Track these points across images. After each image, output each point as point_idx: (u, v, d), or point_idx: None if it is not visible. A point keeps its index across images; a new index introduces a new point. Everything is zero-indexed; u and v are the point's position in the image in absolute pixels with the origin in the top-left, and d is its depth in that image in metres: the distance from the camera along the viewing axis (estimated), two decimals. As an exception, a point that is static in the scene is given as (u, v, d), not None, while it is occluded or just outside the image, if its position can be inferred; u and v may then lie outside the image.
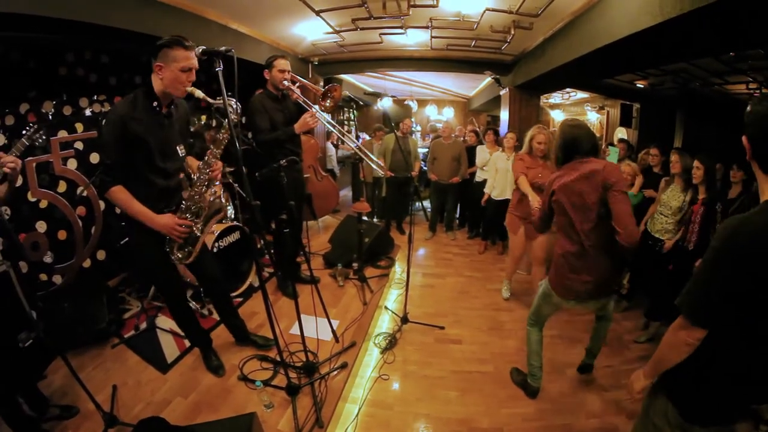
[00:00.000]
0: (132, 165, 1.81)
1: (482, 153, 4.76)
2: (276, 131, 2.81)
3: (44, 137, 2.70)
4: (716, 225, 2.53)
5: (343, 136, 3.48)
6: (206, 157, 1.96)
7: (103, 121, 1.82)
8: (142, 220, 1.85)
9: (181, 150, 2.01)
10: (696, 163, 2.62)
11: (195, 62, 1.76)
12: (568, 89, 7.77)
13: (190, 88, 1.81)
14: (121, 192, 1.81)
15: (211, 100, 1.87)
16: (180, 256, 2.02)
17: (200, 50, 1.59)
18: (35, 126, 1.96)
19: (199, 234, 2.01)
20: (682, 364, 1.08)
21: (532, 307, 2.32)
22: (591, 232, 1.86)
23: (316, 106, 2.81)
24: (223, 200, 2.02)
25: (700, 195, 2.65)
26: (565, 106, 9.72)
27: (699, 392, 1.07)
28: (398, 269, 4.06)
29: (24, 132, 2.11)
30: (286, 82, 2.79)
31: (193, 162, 2.16)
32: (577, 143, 1.89)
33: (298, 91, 2.82)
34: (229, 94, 1.80)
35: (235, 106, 1.85)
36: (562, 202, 1.90)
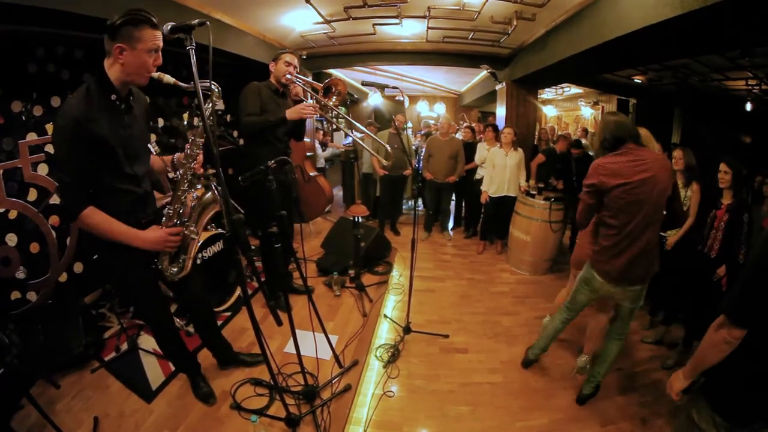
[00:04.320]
0: (97, 177, 1.52)
1: (483, 150, 4.63)
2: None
3: None
4: (742, 234, 2.43)
5: (353, 132, 3.17)
6: (187, 150, 1.71)
7: (54, 127, 1.49)
8: (126, 241, 1.58)
9: (153, 148, 1.76)
10: (723, 167, 2.48)
11: (161, 41, 1.49)
12: (562, 84, 7.68)
13: (156, 74, 1.53)
14: (95, 214, 1.49)
15: (183, 85, 1.58)
16: (174, 270, 1.78)
17: (169, 28, 1.32)
18: None
19: (194, 237, 1.76)
20: (723, 371, 1.14)
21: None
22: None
23: (311, 100, 2.62)
24: (217, 193, 1.77)
25: (725, 200, 2.52)
26: (558, 102, 9.67)
27: (741, 398, 1.12)
28: (395, 273, 3.91)
29: None
30: (289, 76, 2.60)
31: (155, 159, 1.88)
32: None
33: (300, 82, 2.62)
34: (211, 83, 1.57)
35: (215, 88, 1.60)
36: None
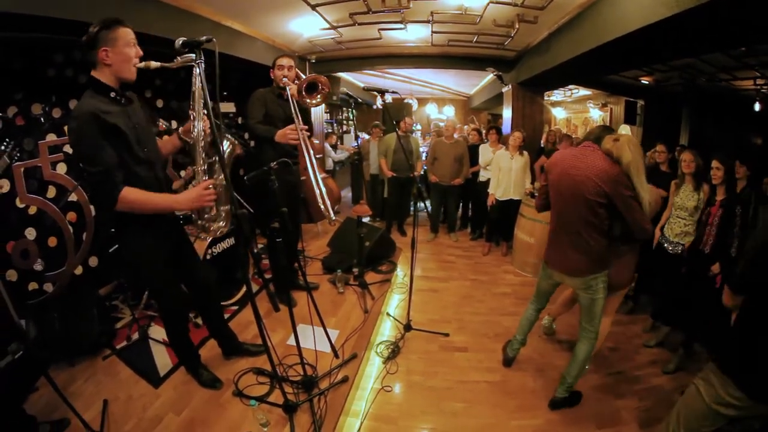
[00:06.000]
0: (120, 163, 1.64)
1: (486, 152, 4.66)
2: (269, 125, 2.72)
3: (19, 153, 2.60)
4: (736, 228, 2.41)
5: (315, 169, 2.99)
6: (192, 115, 1.81)
7: (71, 130, 1.58)
8: (167, 208, 1.72)
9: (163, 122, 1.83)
10: (715, 164, 2.49)
11: (134, 35, 1.65)
12: (570, 86, 7.65)
13: (142, 63, 1.67)
14: (131, 193, 1.61)
15: (168, 64, 1.69)
16: (221, 224, 1.89)
17: (181, 42, 1.47)
18: (12, 142, 1.82)
19: (225, 182, 1.82)
20: (736, 345, 1.31)
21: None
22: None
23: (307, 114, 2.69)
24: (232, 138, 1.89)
25: (718, 196, 2.53)
26: (567, 104, 9.61)
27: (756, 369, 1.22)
28: (400, 273, 3.96)
29: (2, 149, 1.99)
30: (285, 79, 2.68)
31: (164, 142, 2.02)
32: None
33: (293, 89, 2.68)
34: (224, 93, 1.69)
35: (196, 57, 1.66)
36: None
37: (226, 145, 1.86)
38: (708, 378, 1.35)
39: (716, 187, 2.54)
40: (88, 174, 1.58)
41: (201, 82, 1.42)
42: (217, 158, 1.84)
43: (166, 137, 2.07)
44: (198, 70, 1.70)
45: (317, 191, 2.57)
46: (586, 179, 1.86)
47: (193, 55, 1.63)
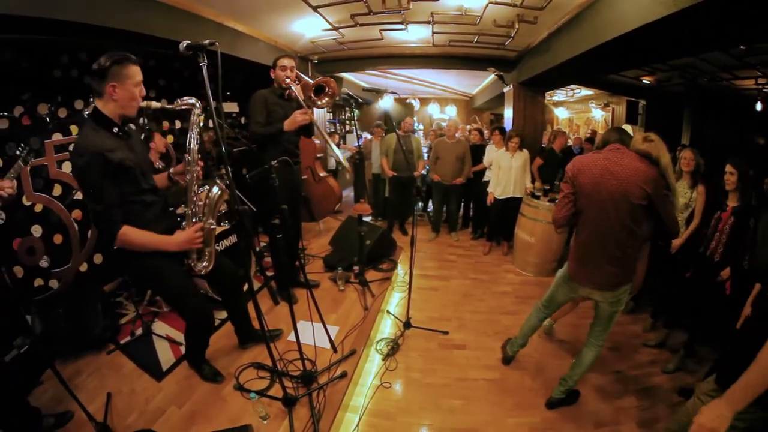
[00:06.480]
0: (125, 197, 1.70)
1: (491, 152, 4.67)
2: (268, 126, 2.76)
3: (32, 158, 2.61)
4: (747, 239, 2.31)
5: (330, 142, 3.14)
6: (187, 158, 1.89)
7: (76, 167, 1.63)
8: (162, 248, 1.78)
9: (159, 165, 1.93)
10: (729, 168, 2.39)
11: (141, 75, 1.71)
12: (572, 86, 7.65)
13: (144, 103, 1.74)
14: (130, 232, 1.69)
15: (169, 106, 1.83)
16: (204, 264, 1.96)
17: (185, 45, 1.52)
18: (27, 148, 1.92)
19: (212, 227, 1.94)
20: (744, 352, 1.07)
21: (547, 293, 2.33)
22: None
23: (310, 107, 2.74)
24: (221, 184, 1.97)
25: (730, 202, 2.43)
26: (569, 104, 9.61)
27: None
28: (401, 271, 3.98)
29: (18, 153, 2.05)
30: (288, 80, 2.71)
31: (157, 178, 2.07)
32: None
33: (298, 89, 2.73)
34: (228, 93, 1.75)
35: (196, 103, 1.84)
36: None
37: (216, 190, 1.93)
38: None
39: (729, 192, 2.44)
40: (91, 210, 1.66)
41: (206, 82, 1.47)
42: (206, 202, 1.94)
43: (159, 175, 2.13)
44: (194, 117, 1.84)
45: (332, 147, 2.86)
46: (628, 183, 1.77)
47: (193, 99, 1.80)
